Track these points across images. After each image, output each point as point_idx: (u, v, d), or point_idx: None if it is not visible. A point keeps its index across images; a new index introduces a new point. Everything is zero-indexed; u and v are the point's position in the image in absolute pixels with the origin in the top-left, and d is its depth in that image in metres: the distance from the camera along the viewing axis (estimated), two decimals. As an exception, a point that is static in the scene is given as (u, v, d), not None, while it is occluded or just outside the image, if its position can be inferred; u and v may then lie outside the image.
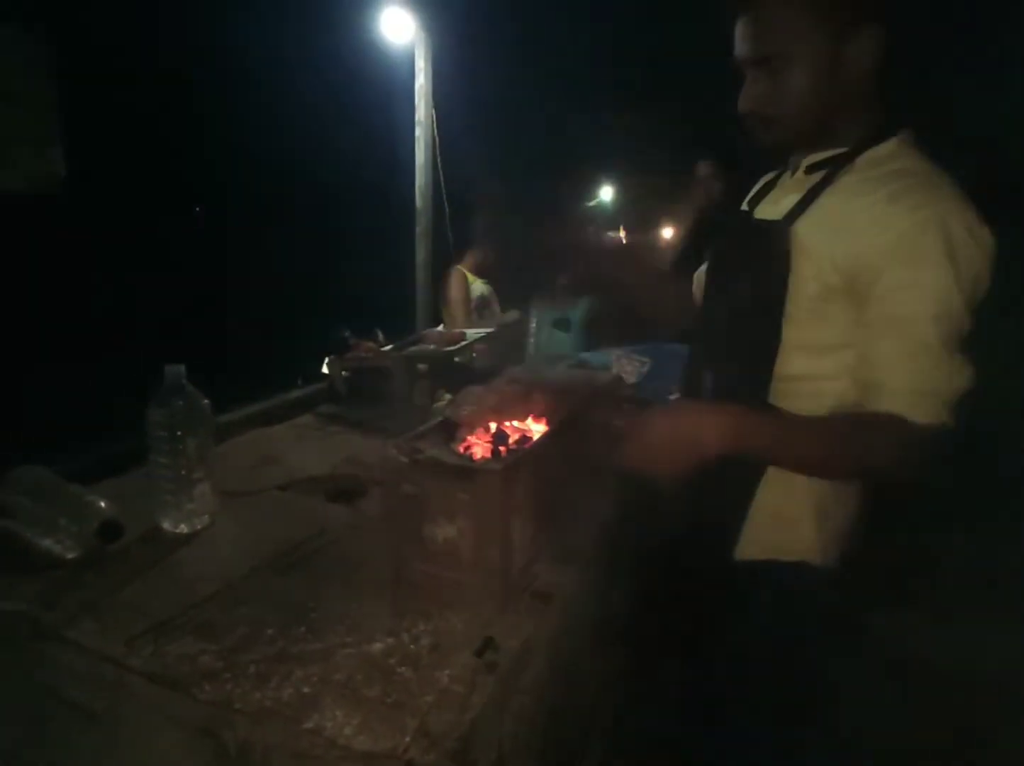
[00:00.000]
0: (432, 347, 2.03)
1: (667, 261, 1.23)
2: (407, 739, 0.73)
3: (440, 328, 2.65)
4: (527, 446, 1.07)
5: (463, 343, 2.08)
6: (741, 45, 0.98)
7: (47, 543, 1.04)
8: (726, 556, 1.08)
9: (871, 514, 1.08)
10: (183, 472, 1.12)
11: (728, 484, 1.07)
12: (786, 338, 1.00)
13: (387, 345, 2.01)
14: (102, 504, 1.06)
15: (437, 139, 2.82)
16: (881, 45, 0.93)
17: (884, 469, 0.92)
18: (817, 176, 1.02)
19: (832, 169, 1.00)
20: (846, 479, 1.01)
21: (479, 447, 1.08)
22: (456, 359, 2.09)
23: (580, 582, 1.13)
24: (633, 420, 0.96)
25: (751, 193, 1.23)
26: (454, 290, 3.00)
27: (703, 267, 1.29)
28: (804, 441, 0.94)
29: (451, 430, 1.13)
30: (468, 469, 0.95)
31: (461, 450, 1.07)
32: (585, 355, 2.31)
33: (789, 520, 1.04)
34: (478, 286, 3.08)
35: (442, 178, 2.89)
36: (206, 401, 1.15)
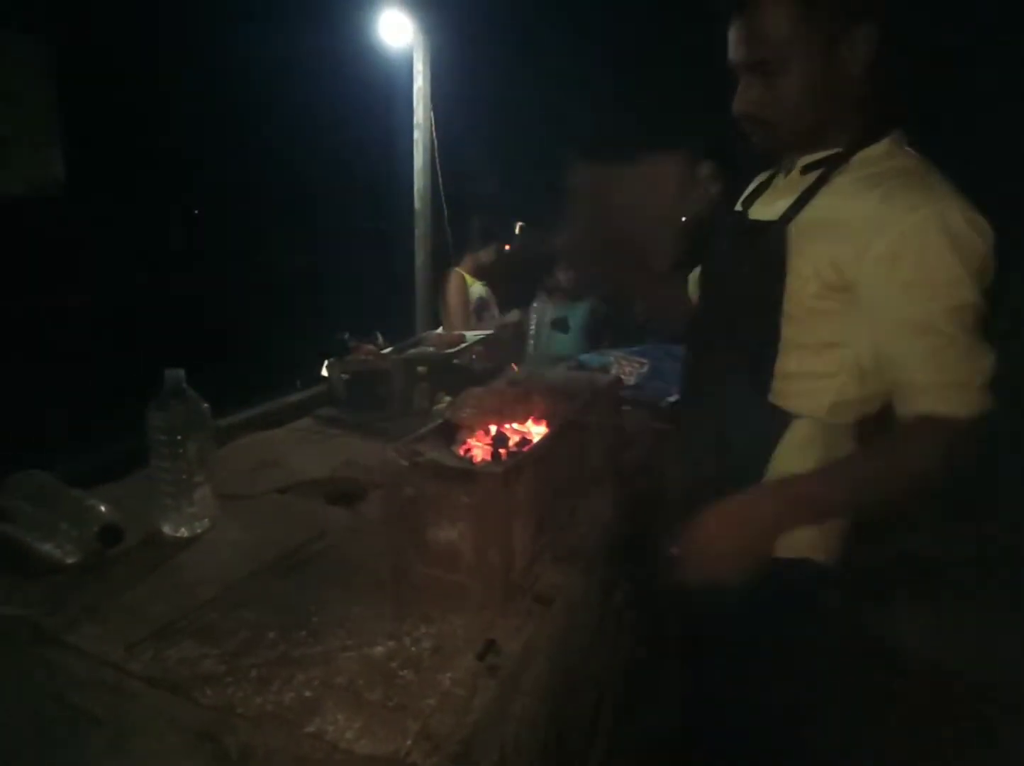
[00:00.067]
0: (431, 349, 2.03)
1: (665, 262, 1.23)
2: (409, 742, 0.73)
3: (439, 330, 2.65)
4: (527, 448, 1.07)
5: (462, 345, 2.08)
6: (735, 49, 0.99)
7: (47, 548, 1.04)
8: None
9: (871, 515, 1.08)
10: (183, 476, 1.12)
11: (730, 486, 1.07)
12: (786, 337, 1.01)
13: (386, 348, 2.01)
14: (102, 508, 1.06)
15: (436, 142, 2.82)
16: (873, 46, 0.93)
17: (937, 473, 0.93)
18: (812, 176, 1.02)
19: (827, 169, 1.01)
20: (910, 497, 1.00)
21: (479, 449, 1.08)
22: (455, 361, 2.09)
23: (581, 584, 1.13)
24: (687, 535, 0.98)
25: (744, 194, 1.24)
26: (453, 292, 3.00)
27: (698, 268, 1.29)
28: (853, 485, 0.96)
29: (451, 433, 1.13)
30: (469, 472, 0.95)
31: (461, 453, 1.08)
32: (584, 356, 2.31)
33: None
34: (477, 288, 3.08)
35: (441, 180, 2.89)
36: (206, 405, 1.15)
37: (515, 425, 1.18)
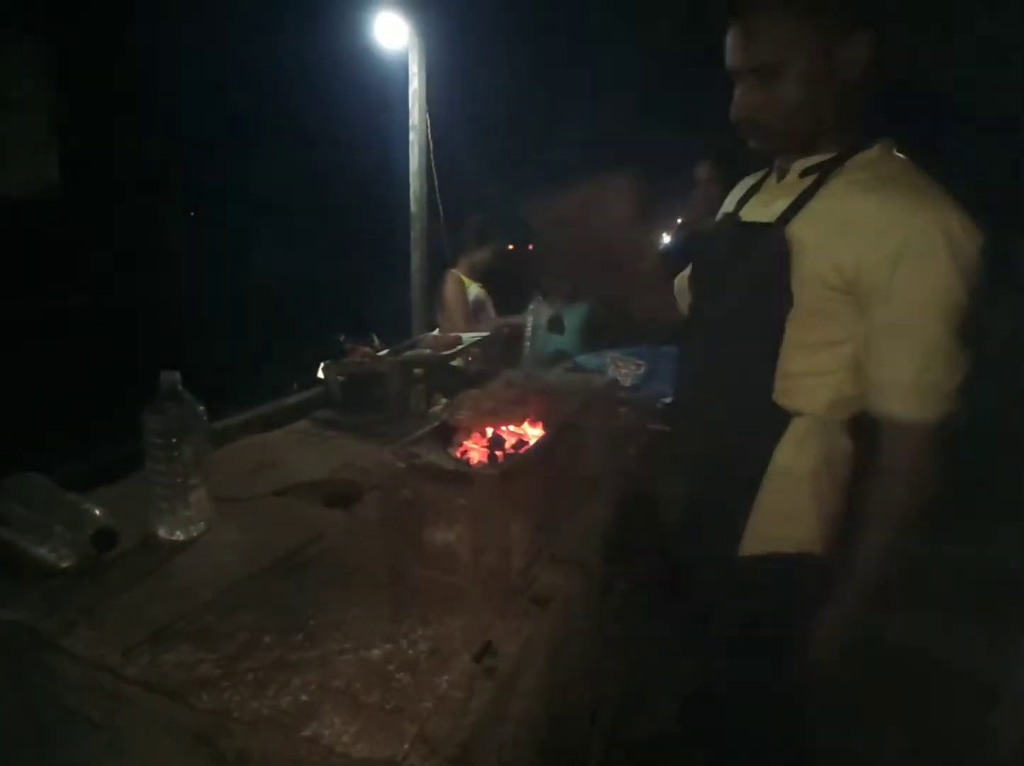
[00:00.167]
0: (428, 351, 2.03)
1: (643, 264, 1.23)
2: (406, 746, 0.72)
3: (436, 332, 2.65)
4: (524, 450, 1.07)
5: (459, 347, 2.08)
6: (734, 54, 1.00)
7: (42, 551, 1.03)
8: (729, 554, 1.09)
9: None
10: (179, 479, 1.11)
11: (731, 485, 1.08)
12: (788, 336, 1.02)
13: (382, 350, 2.01)
14: (97, 512, 1.06)
15: (431, 144, 2.82)
16: (869, 53, 0.95)
17: (929, 481, 0.98)
18: (808, 180, 1.04)
19: (823, 173, 1.03)
20: (926, 507, 1.02)
21: (476, 451, 1.08)
22: (452, 363, 2.09)
23: (578, 585, 1.12)
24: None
25: (733, 197, 1.25)
26: (451, 294, 3.00)
27: (685, 271, 1.30)
28: (879, 541, 1.00)
29: (448, 435, 1.13)
30: (465, 474, 0.95)
31: (458, 455, 1.08)
32: (581, 358, 2.32)
33: (792, 514, 1.05)
34: (474, 289, 3.08)
35: (436, 182, 2.89)
36: (201, 407, 1.15)
37: (512, 427, 1.18)
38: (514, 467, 0.98)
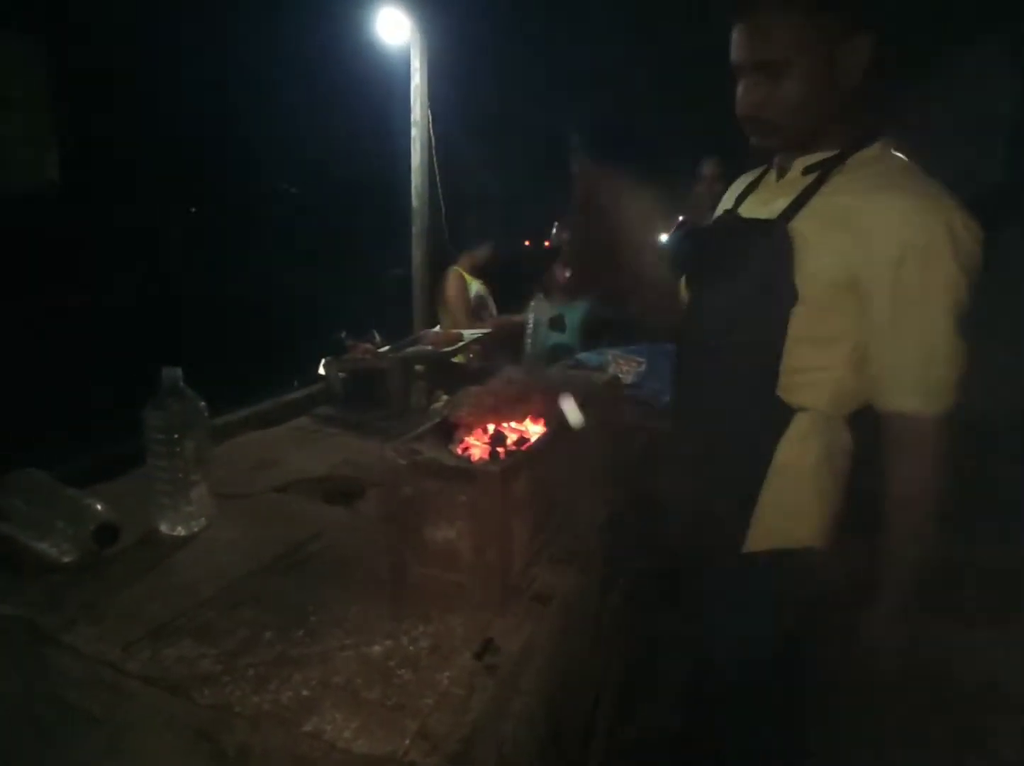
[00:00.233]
0: (429, 348, 2.03)
1: (659, 260, 1.24)
2: (407, 742, 0.72)
3: (437, 329, 2.65)
4: (525, 447, 1.07)
5: (460, 344, 2.08)
6: (740, 51, 1.00)
7: (43, 547, 1.03)
8: (733, 551, 1.09)
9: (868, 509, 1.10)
10: (180, 475, 1.11)
11: (734, 482, 1.08)
12: (791, 332, 1.03)
13: (383, 346, 2.01)
14: (99, 507, 1.05)
15: (433, 139, 2.82)
16: (871, 53, 0.97)
17: (941, 472, 0.99)
18: (810, 177, 1.05)
19: (824, 170, 1.04)
20: (942, 492, 1.03)
21: (477, 448, 1.08)
22: (453, 360, 2.09)
23: (579, 583, 1.12)
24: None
25: (731, 194, 1.25)
26: (452, 290, 3.00)
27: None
28: (907, 536, 1.01)
29: (449, 431, 1.13)
30: (467, 470, 0.95)
31: (459, 451, 1.07)
32: (582, 355, 2.31)
33: (795, 509, 1.06)
34: (475, 286, 3.08)
35: (438, 178, 2.89)
36: (203, 403, 1.15)
37: (513, 424, 1.18)
38: (516, 464, 0.98)
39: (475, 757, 0.76)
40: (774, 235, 1.02)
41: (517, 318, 2.96)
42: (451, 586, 0.97)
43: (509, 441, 1.09)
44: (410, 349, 2.02)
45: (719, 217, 1.24)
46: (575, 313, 3.02)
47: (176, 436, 1.09)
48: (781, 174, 1.12)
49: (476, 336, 2.21)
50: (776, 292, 1.02)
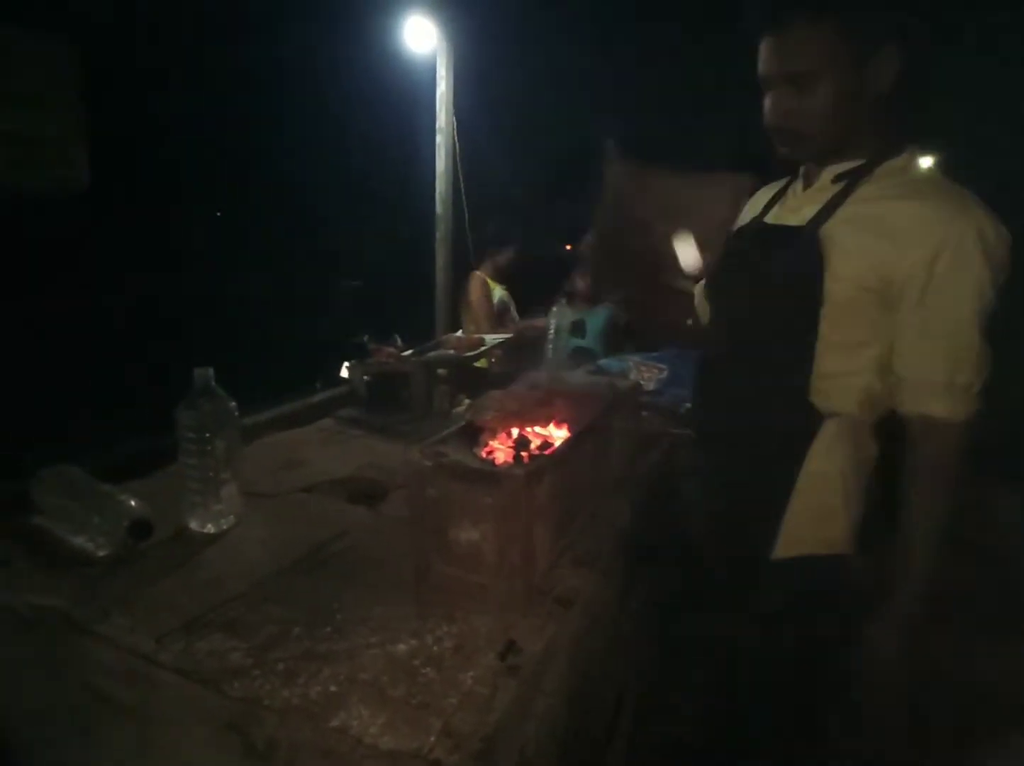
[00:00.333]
0: (452, 352, 2.05)
1: (680, 279, 1.25)
2: (432, 739, 0.74)
3: (459, 333, 2.67)
4: (549, 452, 1.08)
5: (482, 348, 2.10)
6: (768, 63, 1.01)
7: (80, 541, 1.07)
8: (759, 557, 1.09)
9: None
10: (211, 473, 1.14)
11: (763, 488, 1.09)
12: (822, 337, 1.04)
13: (405, 350, 2.03)
14: (133, 503, 1.08)
15: (457, 146, 2.85)
16: (897, 64, 0.98)
17: (961, 478, 1.00)
18: (838, 186, 1.06)
19: (852, 179, 1.05)
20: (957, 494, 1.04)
21: (501, 452, 1.09)
22: (475, 364, 2.11)
23: (600, 587, 1.13)
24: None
25: (755, 206, 1.26)
26: (475, 295, 3.02)
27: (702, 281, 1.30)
28: (923, 541, 1.01)
29: (473, 435, 1.14)
30: (492, 473, 0.96)
31: (484, 455, 1.09)
32: (604, 361, 2.32)
33: (825, 515, 1.06)
34: (497, 291, 3.09)
35: (462, 184, 2.92)
36: (233, 403, 1.17)
37: (537, 428, 1.19)
38: (539, 468, 0.99)
39: (497, 756, 0.77)
40: (804, 240, 1.03)
41: (539, 323, 2.97)
42: (475, 587, 0.98)
43: (533, 445, 1.11)
44: (432, 353, 2.04)
45: (745, 226, 1.24)
46: (597, 319, 3.02)
47: (207, 435, 1.12)
48: (808, 183, 1.12)
49: (498, 341, 2.22)
50: (806, 297, 1.02)
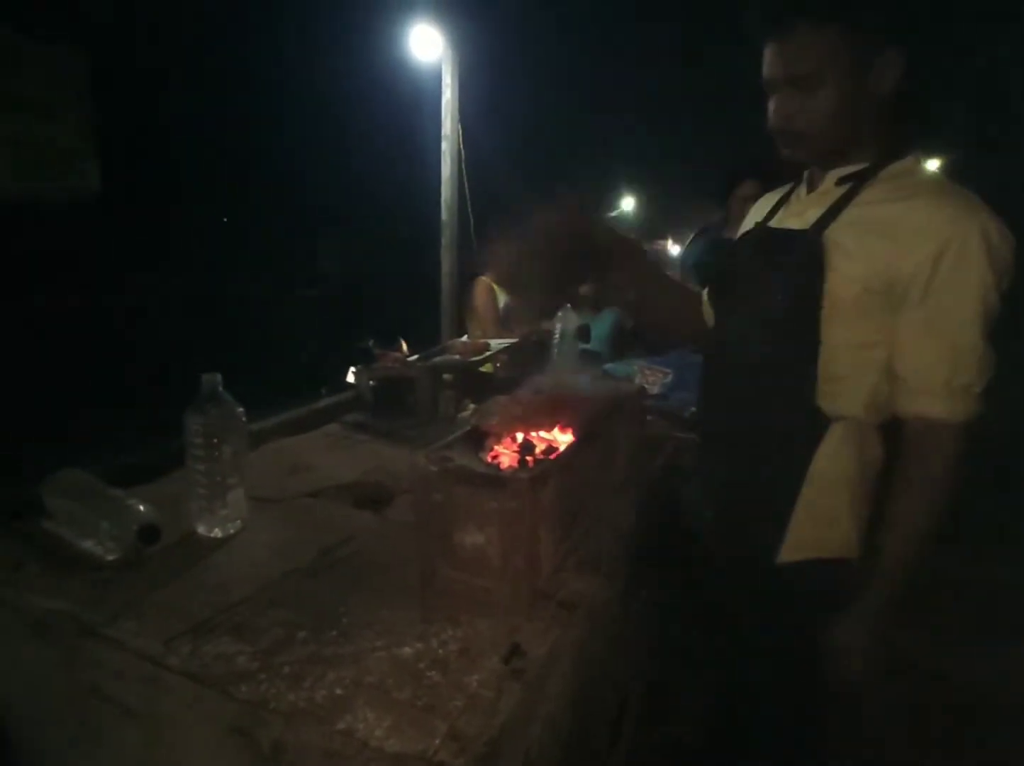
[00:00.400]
0: (457, 357, 2.06)
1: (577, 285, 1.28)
2: (437, 742, 0.74)
3: (464, 338, 2.67)
4: (554, 456, 1.08)
5: (488, 353, 2.10)
6: (773, 65, 1.02)
7: (89, 545, 1.08)
8: (764, 561, 1.09)
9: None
10: (218, 478, 1.15)
11: (769, 492, 1.09)
12: (827, 339, 1.04)
13: (410, 355, 2.04)
14: (141, 508, 1.09)
15: (463, 153, 2.86)
16: (901, 68, 0.98)
17: (956, 481, 0.99)
18: (843, 188, 1.06)
19: (857, 182, 1.05)
20: (947, 506, 1.04)
21: (506, 456, 1.10)
22: (481, 369, 2.11)
23: (604, 591, 1.13)
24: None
25: (758, 211, 1.26)
26: (481, 301, 3.02)
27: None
28: (907, 544, 1.01)
29: (479, 439, 1.14)
30: (498, 478, 0.97)
31: (489, 459, 1.09)
32: (609, 366, 2.32)
33: (831, 519, 1.06)
34: (503, 297, 3.10)
35: (467, 191, 2.93)
36: (240, 409, 1.18)
37: (542, 433, 1.19)
38: (544, 473, 1.00)
39: (502, 759, 0.77)
40: (808, 243, 1.04)
41: (544, 328, 2.97)
42: (479, 591, 0.98)
43: (538, 450, 1.11)
44: (438, 358, 2.05)
45: (749, 230, 1.25)
46: (603, 323, 3.02)
47: (215, 441, 1.13)
48: (812, 187, 1.13)
49: (503, 346, 2.23)
50: (812, 300, 1.03)
